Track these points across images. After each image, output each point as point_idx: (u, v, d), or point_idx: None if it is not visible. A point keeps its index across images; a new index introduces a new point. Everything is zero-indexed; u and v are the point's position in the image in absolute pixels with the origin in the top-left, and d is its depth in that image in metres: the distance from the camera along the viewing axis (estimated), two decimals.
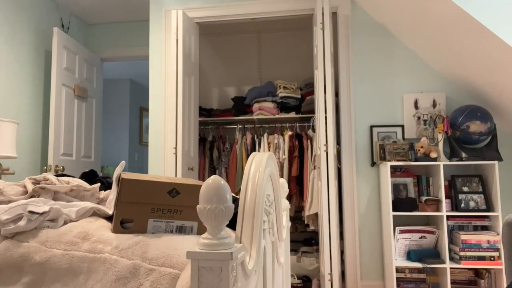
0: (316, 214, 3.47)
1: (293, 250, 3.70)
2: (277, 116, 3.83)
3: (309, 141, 3.67)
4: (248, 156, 3.81)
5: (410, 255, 2.87)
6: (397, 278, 2.89)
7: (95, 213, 1.28)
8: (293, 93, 3.85)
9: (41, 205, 1.19)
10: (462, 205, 2.84)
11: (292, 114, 3.83)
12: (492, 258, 2.73)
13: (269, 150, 3.77)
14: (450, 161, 2.92)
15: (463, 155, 2.87)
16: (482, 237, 2.75)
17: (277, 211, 1.42)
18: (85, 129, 4.02)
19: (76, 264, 1.03)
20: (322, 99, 2.95)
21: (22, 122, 3.41)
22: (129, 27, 4.35)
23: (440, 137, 2.96)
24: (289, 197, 3.63)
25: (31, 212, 1.14)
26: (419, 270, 2.91)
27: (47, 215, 1.15)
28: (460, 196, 2.87)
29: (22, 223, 1.11)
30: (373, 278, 3.12)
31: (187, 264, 0.97)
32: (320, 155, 2.93)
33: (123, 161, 1.34)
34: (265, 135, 3.81)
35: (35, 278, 1.04)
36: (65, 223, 1.18)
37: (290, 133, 3.73)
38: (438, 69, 3.19)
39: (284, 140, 3.71)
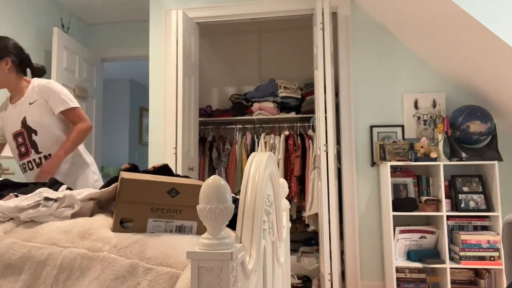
0: (316, 214, 3.47)
1: (293, 250, 3.70)
2: (277, 116, 3.83)
3: (309, 141, 3.67)
4: (248, 156, 3.81)
5: (410, 255, 2.87)
6: (397, 278, 2.89)
7: (98, 199, 1.30)
8: (293, 93, 3.85)
9: (55, 192, 1.25)
10: (462, 205, 2.84)
11: (292, 114, 3.83)
12: (492, 258, 2.73)
13: (265, 150, 3.77)
14: (450, 161, 2.92)
15: (463, 155, 2.87)
16: (482, 237, 2.75)
17: (277, 211, 1.42)
18: None
19: (75, 261, 1.03)
20: (322, 99, 2.95)
21: None
22: (129, 27, 4.35)
23: (440, 137, 2.96)
24: (290, 197, 3.62)
25: (47, 199, 1.20)
26: (419, 270, 2.91)
27: (62, 201, 1.21)
28: (460, 196, 2.87)
29: (41, 208, 1.18)
30: (373, 278, 3.11)
31: (186, 263, 0.97)
32: (320, 155, 2.93)
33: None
34: (262, 135, 3.81)
35: (34, 275, 1.04)
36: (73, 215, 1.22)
37: (286, 133, 3.74)
38: (438, 69, 3.18)
39: (280, 140, 3.70)
